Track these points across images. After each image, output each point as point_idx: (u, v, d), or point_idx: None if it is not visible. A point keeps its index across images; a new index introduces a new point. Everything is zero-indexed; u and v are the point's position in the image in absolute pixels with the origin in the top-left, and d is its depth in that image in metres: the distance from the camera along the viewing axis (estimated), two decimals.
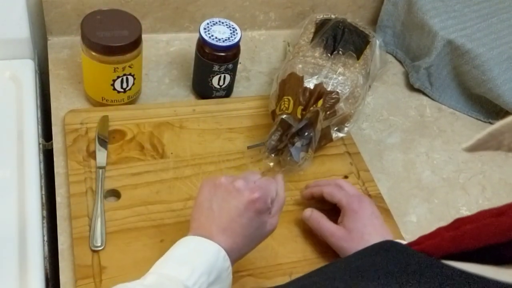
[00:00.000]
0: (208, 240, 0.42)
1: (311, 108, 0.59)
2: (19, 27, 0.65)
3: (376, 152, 0.69)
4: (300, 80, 0.62)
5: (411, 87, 0.80)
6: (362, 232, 0.51)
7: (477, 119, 0.78)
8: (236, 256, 0.43)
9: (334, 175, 0.63)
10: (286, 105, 0.60)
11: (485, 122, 0.78)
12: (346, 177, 0.63)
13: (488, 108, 0.77)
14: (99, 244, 0.50)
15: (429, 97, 0.79)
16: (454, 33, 0.75)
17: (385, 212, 0.60)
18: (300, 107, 0.60)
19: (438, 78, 0.78)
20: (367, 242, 0.49)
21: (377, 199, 0.61)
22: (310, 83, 0.62)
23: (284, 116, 0.59)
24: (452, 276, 0.24)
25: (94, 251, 0.50)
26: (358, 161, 0.65)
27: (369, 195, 0.61)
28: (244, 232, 0.43)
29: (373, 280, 0.26)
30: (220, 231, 0.42)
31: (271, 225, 0.46)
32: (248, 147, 0.63)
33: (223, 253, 0.41)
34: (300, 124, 0.58)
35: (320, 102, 0.60)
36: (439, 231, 0.29)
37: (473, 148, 0.26)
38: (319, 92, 0.61)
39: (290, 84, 0.62)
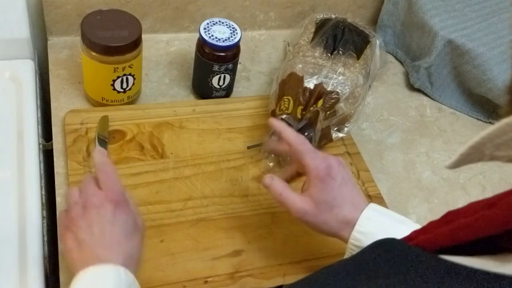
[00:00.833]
0: (101, 265, 0.39)
1: (311, 108, 0.59)
2: (19, 27, 0.65)
3: (376, 152, 0.69)
4: (300, 80, 0.62)
5: (411, 87, 0.79)
6: (331, 204, 0.46)
7: (477, 119, 0.78)
8: (134, 263, 0.41)
9: None
10: (286, 105, 0.60)
11: (485, 122, 0.78)
12: None
13: (488, 108, 0.77)
14: None
15: (429, 97, 0.79)
16: (455, 32, 0.75)
17: None
18: (300, 107, 0.60)
19: (438, 78, 0.78)
20: (336, 215, 0.46)
21: (377, 199, 0.61)
22: (310, 83, 0.62)
23: (284, 116, 0.59)
24: (454, 272, 0.24)
25: None
26: (358, 161, 0.65)
27: (369, 195, 0.61)
28: (125, 238, 0.41)
29: (376, 278, 0.26)
30: (107, 251, 0.40)
31: (140, 224, 0.44)
32: (248, 147, 0.63)
33: (122, 269, 0.39)
34: (300, 124, 0.58)
35: (320, 102, 0.60)
36: (431, 225, 0.29)
37: (456, 164, 0.25)
38: (319, 92, 0.61)
39: (290, 84, 0.62)
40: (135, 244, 0.43)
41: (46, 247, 0.52)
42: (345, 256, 0.47)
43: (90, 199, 0.43)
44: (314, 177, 0.47)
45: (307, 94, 0.61)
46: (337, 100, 0.61)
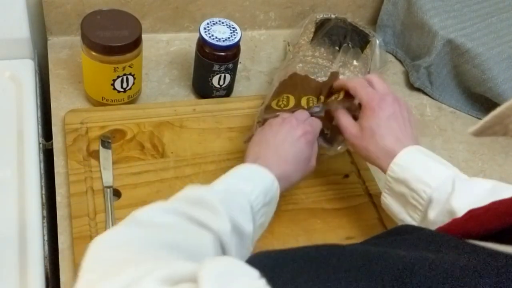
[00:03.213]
0: (264, 169, 0.46)
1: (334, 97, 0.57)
2: (19, 27, 0.65)
3: None
4: (306, 78, 0.61)
5: (411, 86, 0.80)
6: (374, 132, 0.50)
7: (477, 118, 0.78)
8: (283, 185, 0.48)
9: (334, 174, 0.63)
10: (285, 102, 0.59)
11: None
12: (347, 176, 0.63)
13: (488, 107, 0.77)
14: None
15: (429, 96, 0.79)
16: (454, 32, 0.75)
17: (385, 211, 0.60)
18: (311, 98, 0.58)
19: (438, 77, 0.78)
20: (376, 143, 0.49)
21: (378, 198, 0.61)
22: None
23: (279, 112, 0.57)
24: (479, 249, 0.24)
25: None
26: (359, 160, 0.65)
27: (370, 194, 0.61)
28: (294, 160, 0.49)
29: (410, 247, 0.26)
30: (274, 160, 0.47)
31: (312, 165, 0.52)
32: (245, 142, 0.62)
33: (276, 183, 0.46)
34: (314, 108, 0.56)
35: (342, 94, 0.57)
36: (453, 220, 0.29)
37: (479, 132, 0.26)
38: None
39: (291, 83, 0.62)
40: (298, 171, 0.50)
41: (46, 247, 0.52)
42: (383, 190, 0.50)
43: (291, 118, 0.52)
44: (365, 106, 0.51)
45: (328, 87, 0.58)
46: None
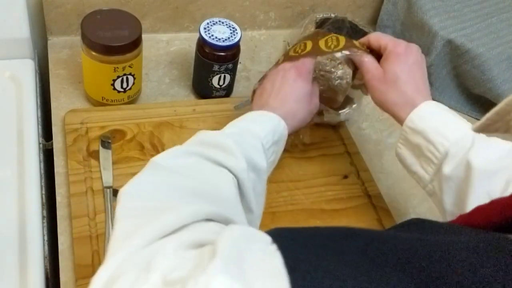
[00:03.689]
0: (269, 112, 0.49)
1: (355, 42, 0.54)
2: (19, 27, 0.65)
3: (376, 152, 0.69)
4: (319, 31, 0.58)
5: None
6: (397, 76, 0.49)
7: (477, 119, 0.78)
8: (291, 123, 0.50)
9: (334, 174, 0.63)
10: (302, 47, 0.55)
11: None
12: (346, 176, 0.63)
13: (488, 107, 0.77)
14: None
15: None
16: (454, 32, 0.75)
17: (385, 211, 0.60)
18: (330, 38, 0.55)
19: (438, 77, 0.78)
20: (399, 89, 0.49)
21: (377, 199, 0.61)
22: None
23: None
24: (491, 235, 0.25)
25: None
26: (358, 161, 0.65)
27: (369, 195, 0.61)
28: (295, 98, 0.51)
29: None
30: (276, 102, 0.50)
31: (315, 102, 0.54)
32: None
33: (283, 122, 0.48)
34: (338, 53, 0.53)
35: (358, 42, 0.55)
36: (460, 216, 0.30)
37: (481, 129, 0.26)
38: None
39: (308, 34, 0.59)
40: (301, 108, 0.51)
41: (46, 247, 0.52)
42: (398, 140, 0.49)
43: (283, 64, 0.54)
44: (391, 51, 0.50)
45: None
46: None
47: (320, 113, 0.61)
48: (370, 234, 0.26)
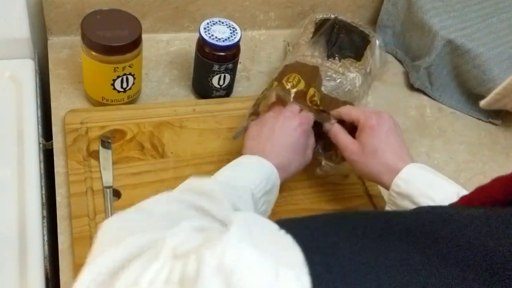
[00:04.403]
0: (263, 158, 0.48)
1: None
2: (19, 27, 0.65)
3: None
4: (316, 69, 0.60)
5: (411, 87, 0.79)
6: (376, 148, 0.51)
7: (477, 118, 0.78)
8: (282, 174, 0.49)
9: (333, 175, 0.63)
10: (295, 82, 0.57)
11: (485, 121, 0.78)
12: (346, 176, 0.63)
13: (494, 109, 0.77)
14: None
15: (429, 96, 0.79)
16: (454, 32, 0.75)
17: None
18: (316, 93, 0.57)
19: (438, 77, 0.78)
20: (379, 159, 0.50)
21: (378, 199, 0.61)
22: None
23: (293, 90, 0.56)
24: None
25: None
26: None
27: (369, 195, 0.61)
28: (291, 149, 0.51)
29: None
30: (272, 150, 0.49)
31: (309, 155, 0.54)
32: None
33: (275, 171, 0.48)
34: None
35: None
36: (461, 199, 0.30)
37: (490, 104, 0.27)
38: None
39: (299, 67, 0.60)
40: (296, 159, 0.51)
41: (46, 247, 0.52)
42: (386, 204, 0.51)
43: (285, 111, 0.53)
44: (364, 124, 0.53)
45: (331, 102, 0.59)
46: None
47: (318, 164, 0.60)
48: (381, 214, 0.27)
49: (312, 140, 0.55)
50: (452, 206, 0.30)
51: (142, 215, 0.36)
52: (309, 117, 0.54)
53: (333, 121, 0.56)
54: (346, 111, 0.55)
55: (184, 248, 0.24)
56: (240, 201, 0.42)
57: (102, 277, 0.26)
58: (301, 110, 0.55)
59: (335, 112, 0.56)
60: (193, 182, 0.41)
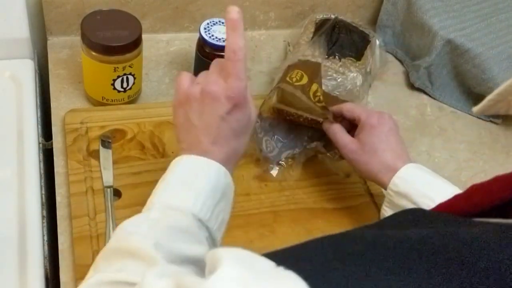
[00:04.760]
0: (204, 158, 0.40)
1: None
2: (19, 27, 0.65)
3: None
4: (319, 65, 0.60)
5: (412, 86, 0.79)
6: (376, 147, 0.51)
7: (478, 117, 0.78)
8: (234, 161, 0.42)
9: (335, 174, 0.62)
10: (298, 77, 0.57)
11: (486, 120, 0.78)
12: (348, 175, 0.63)
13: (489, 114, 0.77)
14: None
15: (429, 96, 0.79)
16: (454, 32, 0.75)
17: None
18: (319, 89, 0.57)
19: (438, 77, 0.78)
20: (378, 157, 0.50)
21: (379, 198, 0.61)
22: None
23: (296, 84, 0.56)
24: (476, 224, 0.25)
25: None
26: None
27: (371, 194, 0.61)
28: (233, 135, 0.41)
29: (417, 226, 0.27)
30: (211, 142, 0.40)
31: (254, 113, 0.43)
32: None
33: (223, 169, 0.40)
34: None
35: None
36: (455, 196, 0.30)
37: (483, 110, 0.26)
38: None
39: (301, 65, 0.60)
40: (242, 142, 0.43)
41: (46, 247, 0.52)
42: (384, 202, 0.50)
43: (209, 86, 0.41)
44: (366, 123, 0.52)
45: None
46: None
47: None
48: (370, 236, 0.25)
49: (251, 103, 0.42)
50: (442, 214, 0.29)
51: None
52: (237, 81, 0.40)
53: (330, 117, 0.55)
54: (348, 108, 0.55)
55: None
56: (184, 243, 0.36)
57: None
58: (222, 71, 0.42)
59: (336, 108, 0.56)
60: (122, 242, 0.36)
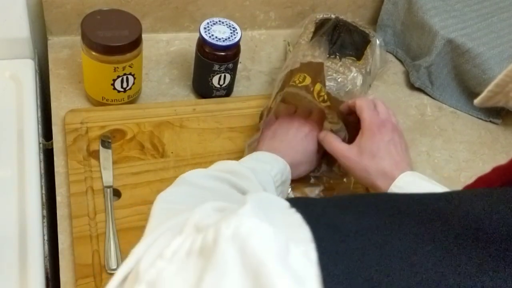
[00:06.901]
0: (277, 155, 0.52)
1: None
2: (19, 27, 0.65)
3: None
4: (321, 65, 0.61)
5: (412, 86, 0.79)
6: (374, 153, 0.51)
7: (478, 118, 0.78)
8: (293, 172, 0.53)
9: (335, 173, 0.63)
10: (301, 79, 0.58)
11: (486, 120, 0.78)
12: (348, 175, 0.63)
13: (489, 107, 0.77)
14: (114, 267, 0.49)
15: (429, 96, 0.79)
16: (454, 32, 0.75)
17: None
18: (323, 89, 0.58)
19: (438, 77, 0.78)
20: (377, 164, 0.51)
21: None
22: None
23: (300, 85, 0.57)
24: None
25: (110, 274, 0.49)
26: None
27: None
28: (303, 152, 0.55)
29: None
30: (285, 151, 0.53)
31: (317, 159, 0.58)
32: (249, 145, 0.62)
33: (288, 167, 0.52)
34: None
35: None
36: (464, 187, 0.31)
37: (483, 101, 0.27)
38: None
39: (304, 67, 0.60)
40: (305, 162, 0.56)
41: (46, 247, 0.52)
42: None
43: (299, 117, 0.58)
44: (367, 128, 0.53)
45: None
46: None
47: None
48: (387, 196, 0.28)
49: (321, 147, 0.57)
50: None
51: (188, 189, 0.41)
52: (319, 120, 0.57)
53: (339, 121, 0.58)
54: (359, 105, 0.55)
55: (205, 223, 0.25)
56: (268, 185, 0.46)
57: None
58: (310, 113, 0.57)
59: (346, 104, 0.57)
60: (227, 165, 0.46)
